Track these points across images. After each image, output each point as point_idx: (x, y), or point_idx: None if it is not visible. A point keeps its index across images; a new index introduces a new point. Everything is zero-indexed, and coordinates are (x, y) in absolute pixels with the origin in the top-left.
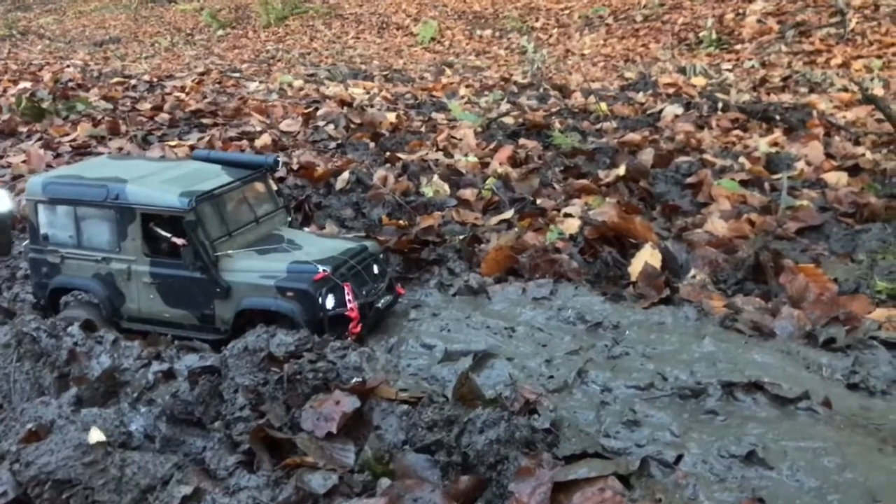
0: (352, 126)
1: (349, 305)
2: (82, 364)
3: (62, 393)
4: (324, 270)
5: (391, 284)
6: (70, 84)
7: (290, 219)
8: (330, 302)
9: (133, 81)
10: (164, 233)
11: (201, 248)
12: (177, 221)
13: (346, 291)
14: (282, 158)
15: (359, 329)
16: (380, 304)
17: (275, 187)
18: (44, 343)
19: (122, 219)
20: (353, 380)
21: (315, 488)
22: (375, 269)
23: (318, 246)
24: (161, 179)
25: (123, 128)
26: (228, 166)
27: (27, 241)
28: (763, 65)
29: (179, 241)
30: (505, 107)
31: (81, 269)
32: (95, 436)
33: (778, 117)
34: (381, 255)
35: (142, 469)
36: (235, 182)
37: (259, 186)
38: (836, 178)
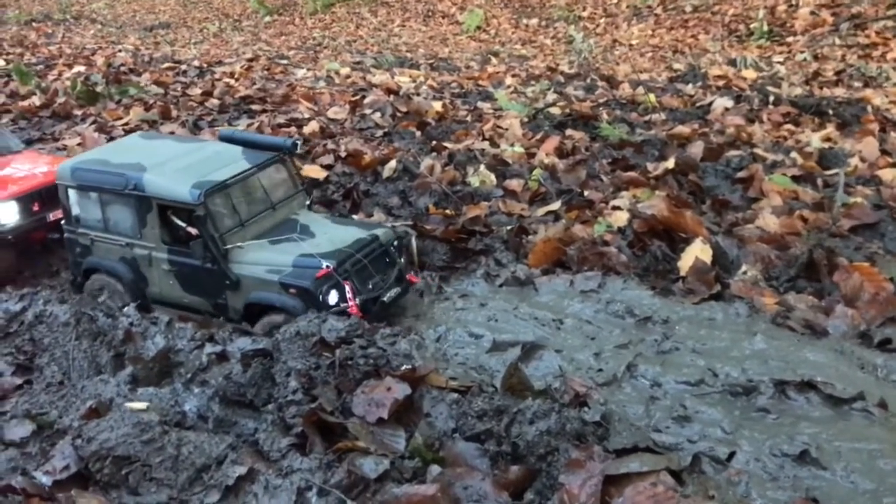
0: (398, 114)
1: (349, 303)
2: (137, 344)
3: (118, 372)
4: (327, 266)
5: (401, 275)
6: (122, 68)
7: (308, 201)
8: (333, 298)
9: (183, 67)
10: (180, 222)
11: (211, 241)
12: (190, 212)
13: (345, 287)
14: (300, 141)
15: None
16: (385, 298)
17: (294, 170)
18: (101, 322)
19: (141, 208)
20: (404, 366)
21: (367, 473)
22: (385, 260)
23: (329, 235)
24: (178, 167)
25: (175, 112)
26: (250, 148)
27: (64, 222)
28: (816, 58)
29: (194, 230)
30: (551, 97)
31: (110, 252)
32: (137, 406)
33: (831, 112)
34: (395, 243)
35: (197, 448)
36: (251, 169)
37: (278, 169)
38: (892, 175)
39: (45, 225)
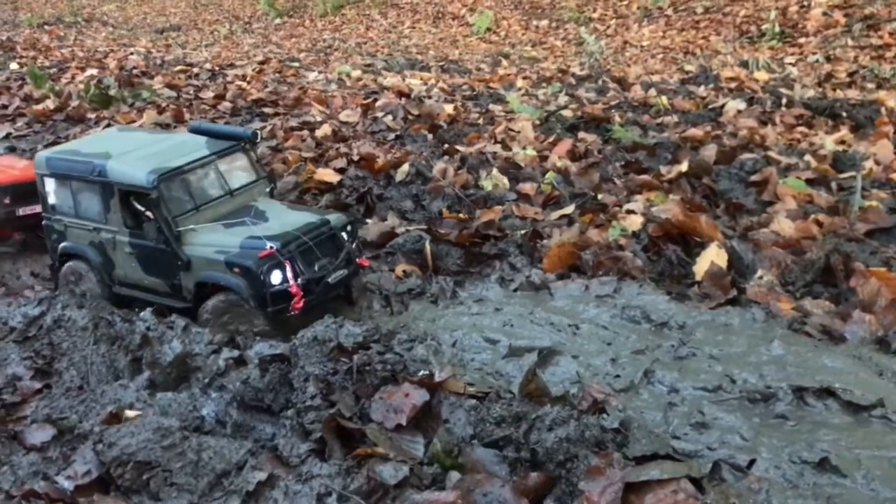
0: (410, 117)
1: (290, 283)
2: (155, 349)
3: (136, 376)
4: (271, 247)
5: (350, 258)
6: (134, 71)
7: (268, 189)
8: (275, 278)
9: (195, 69)
10: (140, 206)
11: (164, 223)
12: (147, 195)
13: (286, 269)
14: (261, 130)
15: (301, 304)
16: (330, 280)
17: (256, 159)
18: (118, 327)
19: (105, 193)
20: (421, 372)
21: (386, 479)
22: (335, 244)
23: (281, 219)
24: (141, 155)
25: (188, 115)
26: (214, 138)
27: (42, 210)
28: (828, 59)
29: (151, 215)
30: (563, 99)
31: (81, 237)
32: (131, 414)
33: (844, 114)
34: (348, 228)
35: (217, 454)
36: (209, 156)
37: (238, 158)
38: None
39: (13, 220)
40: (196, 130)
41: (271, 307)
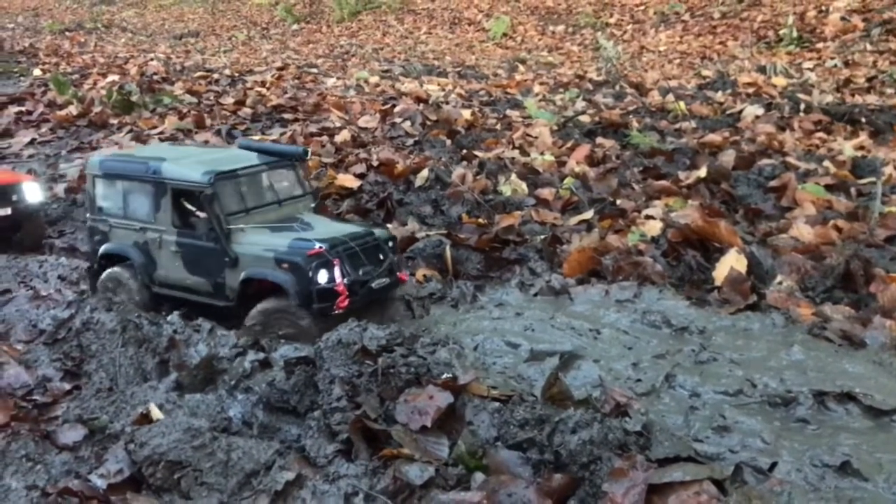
0: (428, 123)
1: (336, 281)
2: (181, 351)
3: (163, 378)
4: (319, 247)
5: (392, 269)
6: (155, 77)
7: (313, 205)
8: (323, 277)
9: (215, 76)
10: (190, 206)
11: (215, 220)
12: (201, 193)
13: (334, 267)
14: (311, 149)
15: (346, 304)
16: (373, 285)
17: (303, 175)
18: (146, 330)
19: (157, 192)
20: (444, 375)
21: (412, 479)
22: (379, 254)
23: (327, 228)
24: (196, 160)
25: (208, 121)
26: (265, 155)
27: (88, 213)
28: (847, 64)
29: (202, 214)
30: (580, 105)
31: (125, 237)
32: (156, 413)
33: (863, 119)
34: (390, 243)
35: (246, 454)
36: (260, 166)
37: (287, 173)
38: None
39: None
40: (245, 148)
41: (317, 304)
